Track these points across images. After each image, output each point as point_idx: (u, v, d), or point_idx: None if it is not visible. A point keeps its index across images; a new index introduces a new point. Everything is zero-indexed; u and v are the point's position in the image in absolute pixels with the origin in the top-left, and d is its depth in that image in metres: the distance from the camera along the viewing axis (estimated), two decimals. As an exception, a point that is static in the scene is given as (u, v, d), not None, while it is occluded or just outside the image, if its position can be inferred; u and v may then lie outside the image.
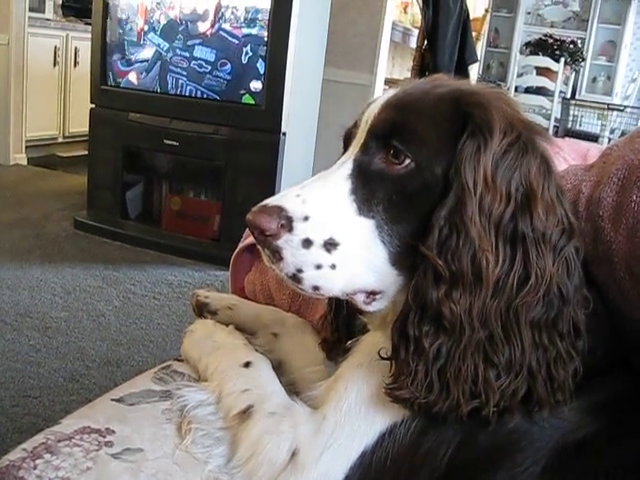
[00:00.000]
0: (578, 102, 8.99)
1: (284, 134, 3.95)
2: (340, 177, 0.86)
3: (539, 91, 8.25)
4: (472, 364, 0.78)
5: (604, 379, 0.87)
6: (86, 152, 4.98)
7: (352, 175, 0.86)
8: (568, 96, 8.98)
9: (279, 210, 0.82)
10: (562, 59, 7.95)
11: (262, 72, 3.95)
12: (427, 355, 0.79)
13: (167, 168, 4.61)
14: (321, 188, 0.85)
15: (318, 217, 0.82)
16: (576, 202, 1.00)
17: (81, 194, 4.93)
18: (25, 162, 6.50)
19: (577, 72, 9.98)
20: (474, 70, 6.62)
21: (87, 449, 0.97)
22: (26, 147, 6.54)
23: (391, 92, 0.93)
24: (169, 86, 4.25)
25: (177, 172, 4.58)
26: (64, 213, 4.88)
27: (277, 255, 0.82)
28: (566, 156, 1.91)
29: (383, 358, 0.84)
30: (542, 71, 8.14)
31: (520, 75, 8.53)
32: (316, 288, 0.83)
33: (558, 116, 8.16)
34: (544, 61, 8.10)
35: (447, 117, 0.85)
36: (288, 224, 0.81)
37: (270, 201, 0.83)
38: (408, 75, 5.85)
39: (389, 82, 5.42)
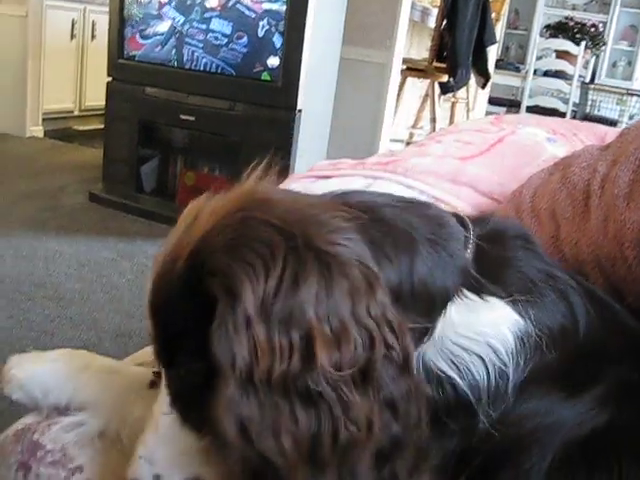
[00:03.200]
0: (597, 87, 8.92)
1: (300, 111, 3.94)
2: (166, 414, 0.80)
3: (558, 75, 8.19)
4: None
5: (609, 368, 0.84)
6: (102, 126, 4.98)
7: (172, 405, 0.79)
8: (587, 80, 8.92)
9: None
10: (582, 43, 7.87)
11: (279, 47, 3.93)
12: None
13: (182, 143, 4.61)
14: (158, 438, 0.80)
15: (165, 470, 0.79)
16: (590, 180, 1.00)
17: (96, 167, 4.95)
18: (41, 134, 6.52)
19: (597, 56, 9.88)
20: (492, 52, 6.57)
21: (100, 413, 0.98)
22: (42, 120, 6.56)
23: (150, 277, 0.81)
24: (185, 59, 4.23)
25: (192, 147, 4.59)
26: (79, 186, 4.90)
27: None
28: (583, 138, 1.91)
29: None
30: (562, 54, 8.07)
31: (539, 58, 8.46)
32: None
33: (576, 100, 8.10)
34: (564, 44, 8.02)
35: (199, 303, 0.72)
36: None
37: (128, 474, 0.80)
38: (426, 55, 5.82)
39: (407, 62, 5.41)
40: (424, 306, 0.79)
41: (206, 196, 0.84)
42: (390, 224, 0.80)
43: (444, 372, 0.77)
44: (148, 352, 1.16)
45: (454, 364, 0.78)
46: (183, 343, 0.75)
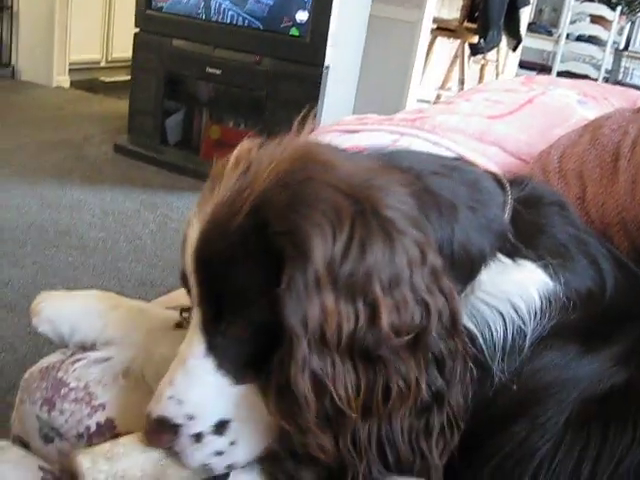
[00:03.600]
0: (631, 54, 8.75)
1: (327, 68, 3.91)
2: (199, 358, 0.81)
3: (591, 40, 8.04)
4: None
5: (631, 329, 0.85)
6: (128, 77, 4.98)
7: (208, 350, 0.81)
8: (621, 47, 8.74)
9: (163, 422, 0.80)
10: (618, 8, 7.70)
11: (307, 1, 3.89)
12: None
13: (208, 96, 4.61)
14: (188, 380, 0.81)
15: (198, 410, 0.80)
16: (620, 142, 0.99)
17: (122, 119, 4.96)
18: (68, 85, 6.53)
19: (633, 23, 9.66)
20: (525, 14, 6.45)
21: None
22: (69, 70, 6.56)
23: (196, 227, 0.81)
24: (212, 11, 4.21)
25: (218, 101, 4.58)
26: (104, 137, 4.92)
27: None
28: (614, 102, 1.88)
29: None
30: (596, 19, 7.90)
31: (573, 22, 8.28)
32: (230, 466, 0.82)
33: (609, 67, 7.96)
34: (599, 9, 7.84)
35: (260, 261, 0.74)
36: (175, 430, 0.80)
37: (153, 412, 0.81)
38: (457, 15, 5.73)
39: (437, 21, 5.33)
40: (462, 271, 0.81)
41: (252, 143, 0.84)
42: (436, 193, 0.82)
43: (465, 326, 0.79)
44: (169, 299, 1.18)
45: (475, 318, 0.80)
46: (231, 296, 0.77)
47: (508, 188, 0.90)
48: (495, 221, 0.85)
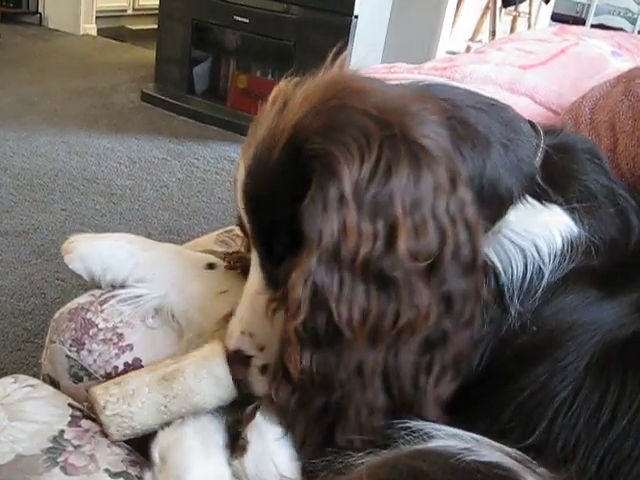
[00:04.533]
0: (668, 6, 8.50)
1: (356, 17, 3.86)
2: (260, 294, 0.85)
3: (627, -9, 7.83)
4: (358, 415, 0.76)
5: None
6: (155, 25, 4.95)
7: (267, 285, 0.84)
8: (658, -1, 8.50)
9: (238, 353, 0.86)
10: (656, -42, 7.47)
11: (337, -51, 3.81)
12: (312, 412, 0.78)
13: (235, 45, 4.56)
14: (255, 314, 0.85)
15: (269, 342, 0.84)
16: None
17: (149, 67, 4.95)
18: (95, 33, 6.51)
19: (671, -26, 9.38)
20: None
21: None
22: (96, 18, 6.54)
23: (242, 169, 0.83)
24: (241, -41, 4.14)
25: (245, 50, 4.54)
26: (131, 85, 4.91)
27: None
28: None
29: None
30: (632, -30, 7.68)
31: (608, -27, 8.06)
32: None
33: (644, 21, 7.76)
34: (636, -41, 7.62)
35: (300, 188, 0.74)
36: (247, 361, 0.85)
37: (229, 345, 0.87)
38: (490, -36, 5.58)
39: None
40: (490, 208, 0.81)
41: (288, 82, 0.86)
42: (471, 125, 0.82)
43: (491, 260, 0.80)
44: (195, 245, 1.20)
45: (499, 255, 0.81)
46: (279, 229, 0.79)
47: (542, 133, 0.90)
48: (526, 162, 0.85)
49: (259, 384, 0.85)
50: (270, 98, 0.85)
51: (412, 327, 0.72)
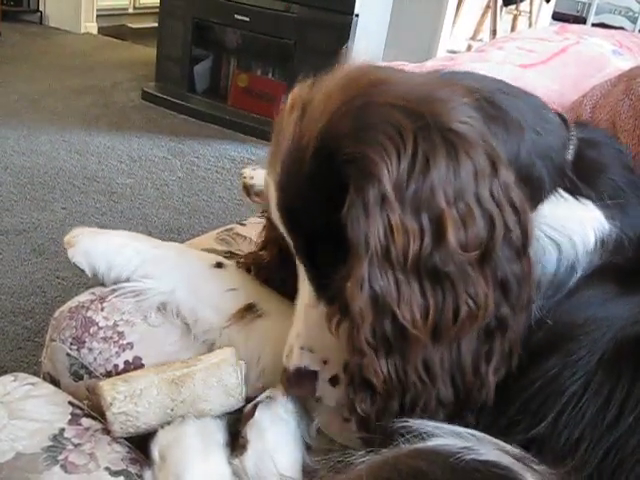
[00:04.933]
0: (669, 5, 8.49)
1: (357, 16, 3.86)
2: (313, 307, 0.83)
3: (629, -9, 7.82)
4: (426, 411, 0.75)
5: None
6: (156, 24, 4.95)
7: (318, 298, 0.82)
8: (658, -2, 8.49)
9: (300, 371, 0.83)
10: (657, -44, 7.46)
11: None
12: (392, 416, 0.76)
13: (236, 44, 4.56)
14: (312, 329, 0.83)
15: (329, 354, 0.82)
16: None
17: (149, 66, 4.95)
18: (95, 31, 6.51)
19: (671, -27, 9.37)
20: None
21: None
22: (97, 16, 6.53)
23: (272, 185, 0.82)
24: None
25: (246, 48, 4.53)
26: (132, 84, 4.91)
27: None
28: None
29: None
30: (633, -31, 7.67)
31: (609, -28, 8.06)
32: None
33: (645, 19, 7.75)
34: (637, -42, 7.61)
35: (337, 197, 0.72)
36: (314, 377, 0.83)
37: (289, 365, 0.83)
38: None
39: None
40: (525, 194, 0.79)
41: (302, 86, 0.84)
42: (502, 109, 0.80)
43: None
44: (195, 244, 1.20)
45: (534, 247, 0.78)
46: (321, 238, 0.77)
47: (572, 126, 0.88)
48: (557, 153, 0.84)
49: (331, 395, 0.83)
50: (287, 106, 0.82)
51: (473, 318, 0.71)
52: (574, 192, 0.83)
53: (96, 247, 1.00)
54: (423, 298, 0.70)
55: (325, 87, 0.79)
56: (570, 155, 0.85)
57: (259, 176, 1.28)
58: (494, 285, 0.72)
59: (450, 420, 0.73)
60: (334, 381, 0.82)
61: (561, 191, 0.83)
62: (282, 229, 0.82)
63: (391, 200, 0.69)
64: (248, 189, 1.29)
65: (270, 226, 0.94)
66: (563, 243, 0.80)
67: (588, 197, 0.83)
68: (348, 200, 0.70)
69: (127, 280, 0.99)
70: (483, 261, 0.71)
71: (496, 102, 0.80)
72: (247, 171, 1.31)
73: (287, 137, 0.79)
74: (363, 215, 0.69)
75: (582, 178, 0.84)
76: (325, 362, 0.82)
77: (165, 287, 0.98)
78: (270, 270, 1.00)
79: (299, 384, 0.83)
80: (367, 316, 0.70)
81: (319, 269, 0.81)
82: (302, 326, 0.84)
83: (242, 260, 1.04)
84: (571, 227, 0.81)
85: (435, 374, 0.73)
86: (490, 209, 0.70)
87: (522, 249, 0.73)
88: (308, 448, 0.89)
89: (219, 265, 1.02)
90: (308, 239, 0.80)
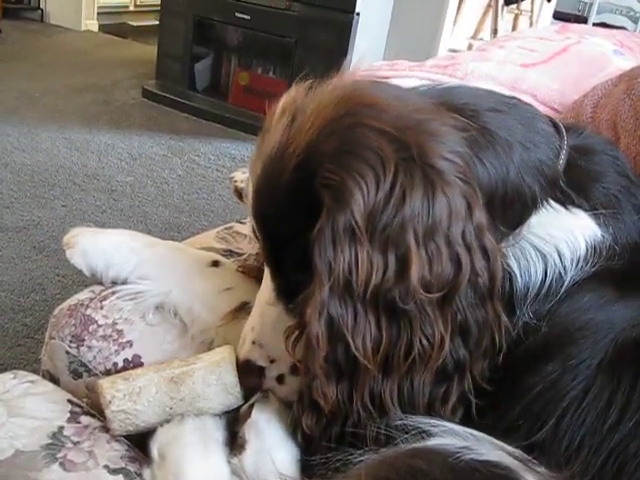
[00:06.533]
0: (670, 5, 8.48)
1: (358, 14, 3.85)
2: (271, 304, 0.84)
3: (630, -9, 7.81)
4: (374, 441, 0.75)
5: None
6: (157, 22, 4.95)
7: (277, 297, 0.84)
8: (660, -2, 8.48)
9: (249, 364, 0.86)
10: (659, -44, 7.46)
11: (340, -54, 3.81)
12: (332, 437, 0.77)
13: (237, 42, 4.57)
14: (265, 325, 0.85)
15: (277, 353, 0.83)
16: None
17: (150, 63, 4.94)
18: (96, 29, 6.51)
19: (673, -28, 9.36)
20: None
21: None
22: (97, 14, 6.53)
23: (251, 184, 0.82)
24: (243, -45, 4.14)
25: (247, 47, 4.54)
26: (133, 81, 4.91)
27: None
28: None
29: None
30: (635, -31, 7.66)
31: (611, -29, 8.05)
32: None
33: (646, 19, 7.74)
34: (638, -43, 7.60)
35: (310, 214, 0.72)
36: (260, 372, 0.85)
37: (240, 355, 0.87)
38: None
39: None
40: (512, 214, 0.80)
41: (297, 90, 0.83)
42: (492, 132, 0.80)
43: (509, 265, 0.79)
44: (194, 242, 1.20)
45: (518, 260, 0.80)
46: (289, 245, 0.78)
47: (564, 133, 0.88)
48: (548, 165, 0.83)
49: (280, 391, 0.85)
50: (279, 108, 0.82)
51: (426, 357, 0.71)
52: (565, 202, 0.83)
53: (94, 247, 1.00)
54: (378, 331, 0.70)
55: (319, 98, 0.79)
56: (562, 166, 0.85)
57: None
58: (453, 328, 0.71)
59: None
60: (280, 379, 0.85)
61: (552, 202, 0.82)
62: (255, 228, 0.83)
63: (360, 232, 0.68)
64: (239, 192, 1.30)
65: None
66: (549, 253, 0.80)
67: (580, 206, 0.83)
68: (319, 223, 0.70)
69: (125, 280, 1.00)
70: (445, 303, 0.71)
71: (486, 126, 0.80)
72: (238, 174, 1.32)
73: (273, 141, 0.79)
74: (330, 243, 0.69)
75: (574, 187, 0.84)
76: (272, 361, 0.84)
77: (162, 288, 0.98)
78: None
79: (247, 375, 0.86)
80: (322, 341, 0.71)
81: (284, 270, 0.81)
82: (257, 321, 0.85)
83: (242, 264, 1.05)
84: (557, 235, 0.81)
85: (383, 406, 0.73)
86: (459, 252, 0.70)
87: (488, 294, 0.73)
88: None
89: (215, 264, 1.03)
90: (277, 245, 0.80)
